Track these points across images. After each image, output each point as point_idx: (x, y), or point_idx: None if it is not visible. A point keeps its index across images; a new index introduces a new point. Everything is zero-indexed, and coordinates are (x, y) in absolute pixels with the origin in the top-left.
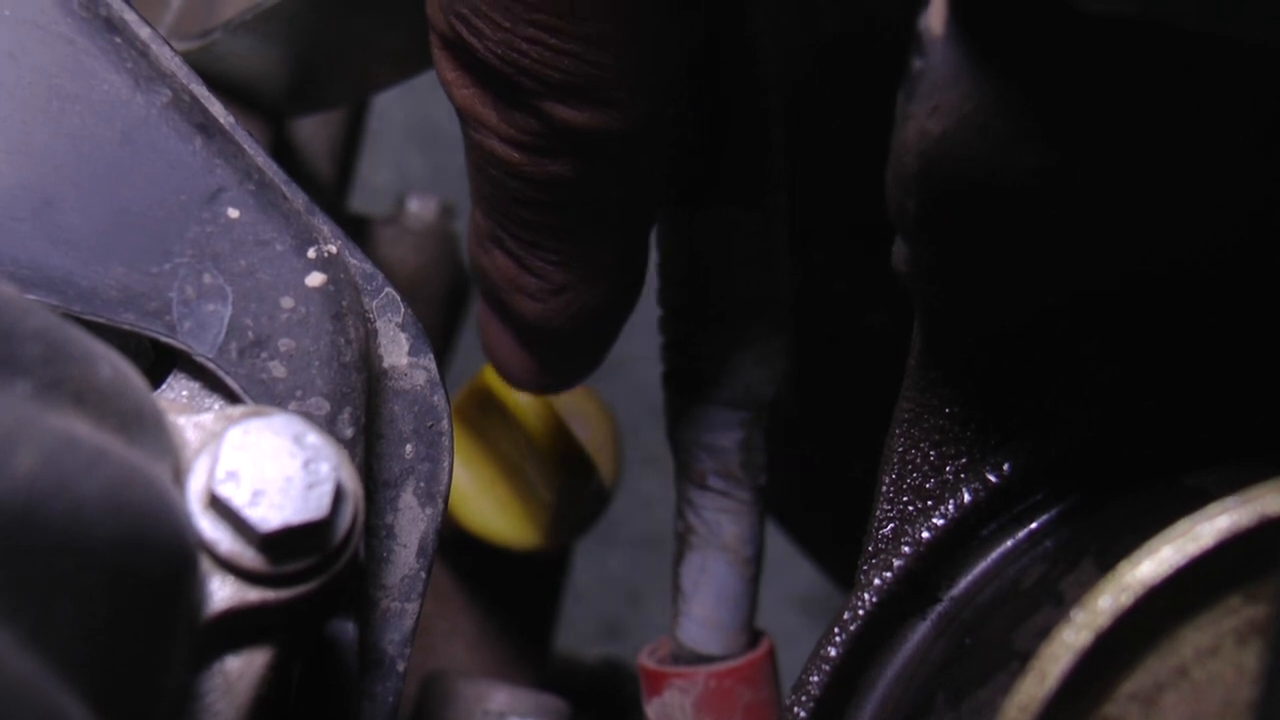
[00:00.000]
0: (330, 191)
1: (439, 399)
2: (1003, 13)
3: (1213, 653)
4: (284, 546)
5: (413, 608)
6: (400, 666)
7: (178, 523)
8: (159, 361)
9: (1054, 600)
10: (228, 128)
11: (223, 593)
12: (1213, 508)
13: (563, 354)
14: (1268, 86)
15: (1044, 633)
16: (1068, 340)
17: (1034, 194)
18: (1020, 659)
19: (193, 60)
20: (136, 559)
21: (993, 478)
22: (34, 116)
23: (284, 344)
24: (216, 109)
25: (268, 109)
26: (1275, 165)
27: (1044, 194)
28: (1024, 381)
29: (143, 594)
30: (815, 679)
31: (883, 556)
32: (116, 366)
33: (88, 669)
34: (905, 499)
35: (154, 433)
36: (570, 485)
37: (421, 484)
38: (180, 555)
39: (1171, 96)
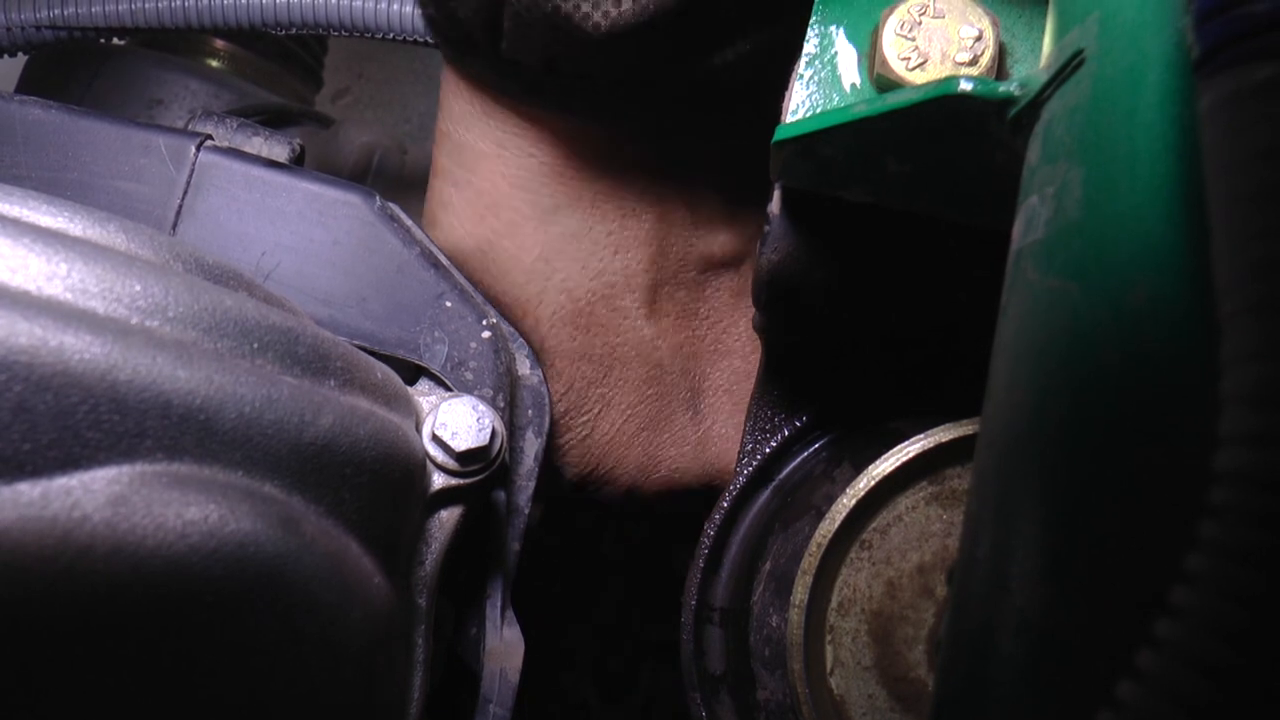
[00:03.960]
0: None
1: (544, 389)
2: (808, 202)
3: (913, 508)
4: (468, 458)
5: (531, 485)
6: (526, 511)
7: (414, 448)
8: (415, 372)
9: (830, 481)
10: (446, 264)
11: (438, 480)
12: (915, 438)
13: None
14: (942, 238)
15: (829, 498)
16: (834, 360)
17: (823, 292)
18: (817, 510)
19: None
20: (389, 466)
21: (798, 423)
22: (356, 260)
23: (472, 364)
24: (442, 256)
25: None
26: (948, 271)
27: (828, 292)
28: (811, 379)
29: (394, 483)
30: (717, 516)
31: (745, 460)
32: (385, 372)
33: (361, 524)
34: (757, 434)
35: (405, 405)
36: None
37: (535, 427)
38: (415, 463)
39: (894, 243)
